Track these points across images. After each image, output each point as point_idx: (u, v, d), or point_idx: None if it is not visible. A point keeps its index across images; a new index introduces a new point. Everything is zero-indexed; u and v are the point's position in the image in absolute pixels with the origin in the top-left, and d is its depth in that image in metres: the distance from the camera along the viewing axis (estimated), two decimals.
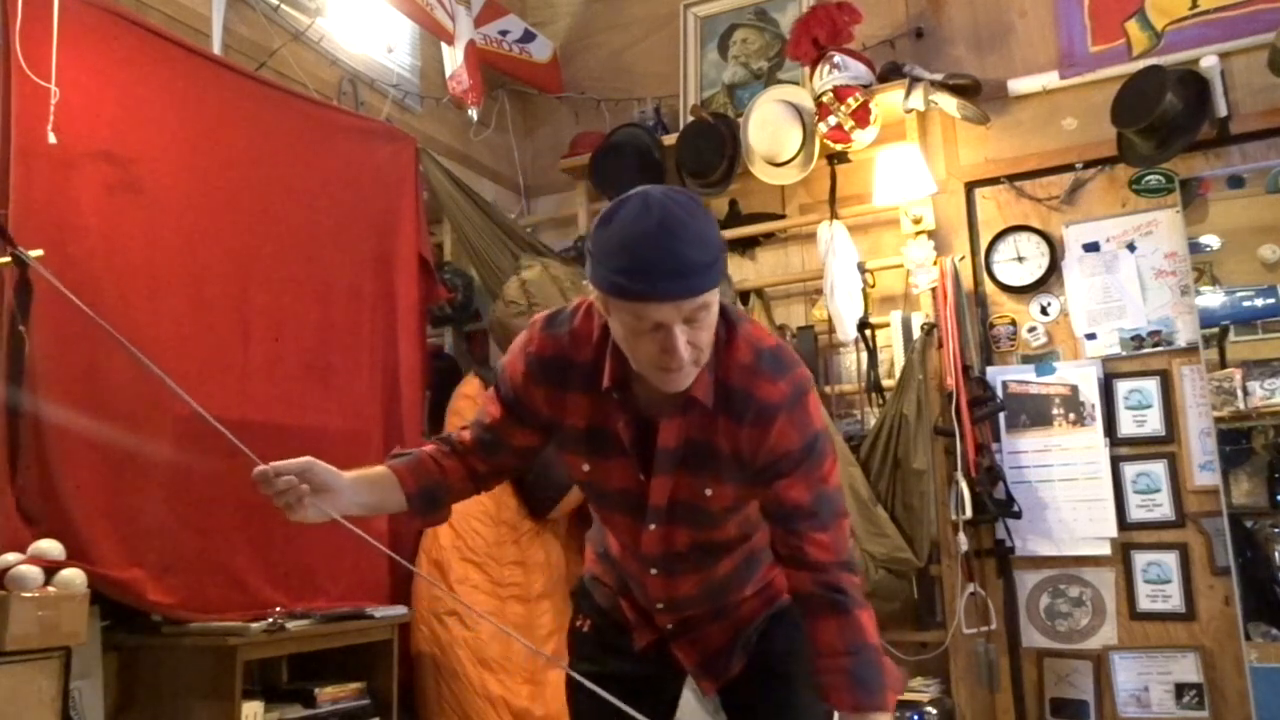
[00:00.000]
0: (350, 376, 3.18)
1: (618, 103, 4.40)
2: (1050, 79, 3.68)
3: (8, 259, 2.18)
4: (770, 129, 3.76)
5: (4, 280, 2.26)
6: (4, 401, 2.22)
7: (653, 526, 1.62)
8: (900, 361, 3.57)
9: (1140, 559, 3.39)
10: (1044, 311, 3.64)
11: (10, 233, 2.20)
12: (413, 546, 3.25)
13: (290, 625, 2.62)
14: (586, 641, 1.84)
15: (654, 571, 1.68)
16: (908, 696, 3.32)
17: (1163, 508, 3.38)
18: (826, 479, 1.54)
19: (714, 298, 1.39)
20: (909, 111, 3.69)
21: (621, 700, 1.48)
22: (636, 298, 1.34)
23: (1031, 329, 3.64)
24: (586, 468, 1.63)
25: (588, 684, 1.55)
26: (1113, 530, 3.41)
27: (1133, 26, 3.61)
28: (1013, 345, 3.66)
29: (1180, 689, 3.29)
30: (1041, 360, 3.60)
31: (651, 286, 1.32)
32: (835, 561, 1.53)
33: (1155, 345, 3.46)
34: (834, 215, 3.71)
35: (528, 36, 4.39)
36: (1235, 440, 3.35)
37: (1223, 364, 3.39)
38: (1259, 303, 3.42)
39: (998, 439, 3.56)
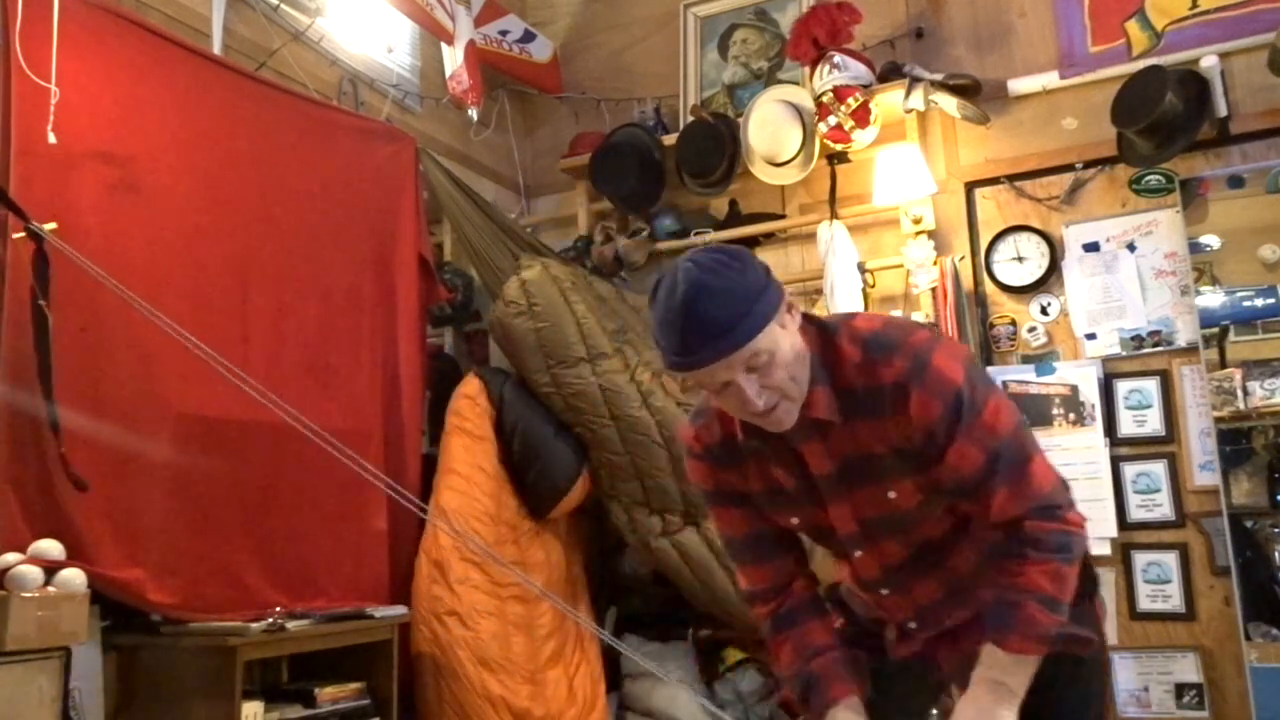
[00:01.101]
0: (350, 376, 3.18)
1: (618, 103, 4.40)
2: (1050, 79, 3.68)
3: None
4: (770, 129, 3.75)
5: (4, 275, 2.26)
6: (5, 400, 2.22)
7: (859, 553, 1.63)
8: None
9: (1140, 559, 3.39)
10: (1044, 311, 3.64)
11: (23, 210, 2.18)
12: (413, 546, 3.26)
13: (290, 625, 2.62)
14: (840, 637, 1.84)
15: (885, 592, 1.68)
16: None
17: (1163, 508, 3.38)
18: (994, 429, 1.48)
19: (764, 341, 1.41)
20: (909, 111, 3.69)
21: (876, 690, 1.59)
22: (688, 369, 1.43)
23: (1031, 329, 3.64)
24: (795, 520, 1.66)
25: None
26: (1113, 530, 3.41)
27: (1133, 26, 3.61)
28: (1013, 345, 3.66)
29: (1180, 689, 3.29)
30: (1041, 360, 3.59)
31: (693, 357, 1.41)
32: (1028, 510, 1.49)
33: (1155, 345, 3.46)
34: (834, 215, 3.71)
35: (528, 36, 4.39)
36: (1235, 440, 3.35)
37: (1223, 364, 3.38)
38: (1259, 303, 3.41)
39: None
